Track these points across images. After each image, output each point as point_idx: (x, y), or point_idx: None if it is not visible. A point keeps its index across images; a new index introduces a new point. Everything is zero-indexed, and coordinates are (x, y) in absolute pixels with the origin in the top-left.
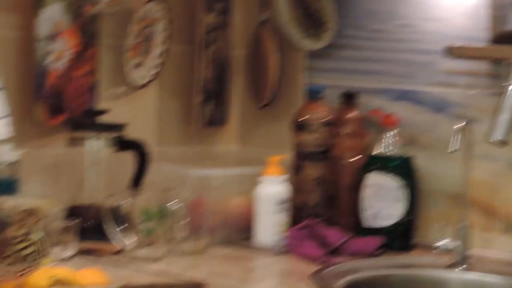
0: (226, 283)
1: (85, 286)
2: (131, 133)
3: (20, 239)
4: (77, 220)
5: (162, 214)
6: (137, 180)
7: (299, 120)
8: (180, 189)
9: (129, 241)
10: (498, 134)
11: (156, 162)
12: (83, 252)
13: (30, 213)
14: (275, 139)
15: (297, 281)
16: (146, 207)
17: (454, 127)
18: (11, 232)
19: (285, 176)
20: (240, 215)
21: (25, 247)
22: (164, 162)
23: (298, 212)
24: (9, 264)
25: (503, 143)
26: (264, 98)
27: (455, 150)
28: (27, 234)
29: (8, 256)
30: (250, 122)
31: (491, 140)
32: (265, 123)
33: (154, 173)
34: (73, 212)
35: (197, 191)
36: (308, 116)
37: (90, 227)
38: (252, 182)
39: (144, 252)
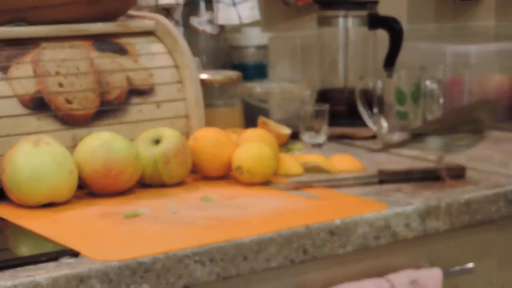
0: (487, 167)
1: (339, 172)
2: (381, 10)
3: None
4: (328, 105)
5: (417, 95)
6: (390, 60)
7: None
8: (436, 68)
9: (382, 125)
10: None
11: (408, 40)
12: (334, 138)
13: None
14: None
15: None
16: (400, 88)
17: None
18: None
19: None
20: (501, 93)
21: None
22: (416, 41)
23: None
24: None
25: None
26: None
27: None
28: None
29: None
30: None
31: None
32: None
33: (408, 52)
34: (324, 96)
35: (455, 69)
36: None
37: (341, 111)
38: None
39: (397, 136)
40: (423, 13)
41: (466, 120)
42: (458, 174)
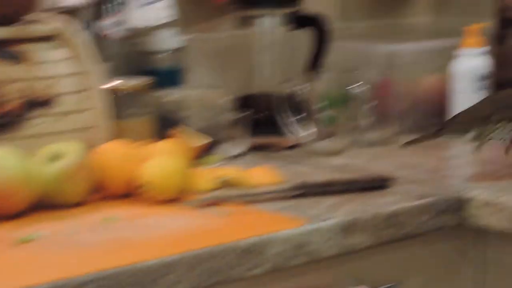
0: (416, 176)
1: (256, 186)
2: (308, 7)
3: None
4: (250, 112)
5: (344, 99)
6: (315, 62)
7: None
8: (364, 69)
9: (306, 132)
10: None
11: (338, 39)
12: (255, 148)
13: None
14: (474, 5)
15: (500, 172)
16: (325, 92)
17: None
18: None
19: (486, 48)
20: (433, 96)
21: None
22: (346, 40)
23: (501, 90)
24: None
25: None
26: None
27: None
28: None
29: None
30: None
31: None
32: None
33: (335, 53)
34: (246, 102)
35: (384, 70)
36: None
37: (263, 119)
38: (447, 57)
39: (323, 144)
40: (356, 10)
41: (499, 108)
42: (382, 184)
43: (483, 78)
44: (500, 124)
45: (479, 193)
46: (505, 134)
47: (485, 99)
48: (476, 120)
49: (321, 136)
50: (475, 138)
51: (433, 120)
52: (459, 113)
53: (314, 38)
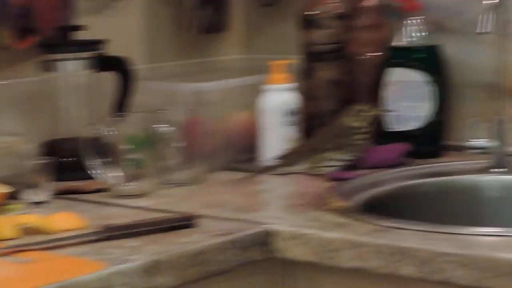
0: (223, 213)
1: (58, 232)
2: (115, 51)
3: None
4: (52, 158)
5: (151, 140)
6: (121, 104)
7: (307, 14)
8: (172, 109)
9: (113, 175)
10: None
11: (145, 80)
12: (61, 193)
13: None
14: (285, 42)
15: (306, 204)
16: (132, 133)
17: (484, 3)
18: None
19: (293, 83)
20: (243, 133)
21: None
22: (154, 80)
23: (310, 123)
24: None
25: None
26: None
27: (486, 32)
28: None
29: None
30: (255, 26)
31: None
32: (271, 25)
33: (142, 93)
34: (51, 148)
35: (193, 109)
36: (318, 9)
37: (71, 163)
38: (257, 93)
39: (130, 186)
40: (165, 51)
41: (329, 138)
42: (188, 224)
43: (291, 112)
44: (331, 153)
45: (285, 226)
46: (335, 162)
47: (319, 130)
48: (309, 151)
49: (128, 178)
50: (309, 168)
51: (245, 156)
52: (294, 146)
53: (118, 80)
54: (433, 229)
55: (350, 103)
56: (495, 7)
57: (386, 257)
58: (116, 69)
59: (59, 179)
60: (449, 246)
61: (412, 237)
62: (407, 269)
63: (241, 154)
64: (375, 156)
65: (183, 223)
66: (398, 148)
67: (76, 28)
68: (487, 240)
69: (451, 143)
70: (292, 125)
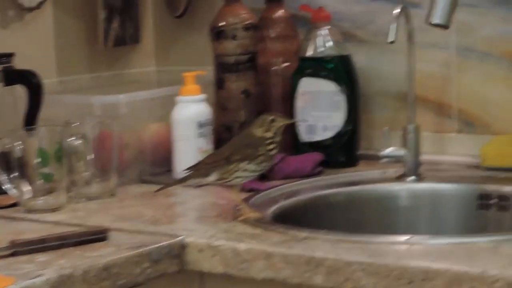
0: (134, 226)
1: None
2: (24, 64)
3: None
4: None
5: (61, 154)
6: (30, 118)
7: (217, 26)
8: (82, 122)
9: (24, 190)
10: (437, 17)
11: (58, 94)
12: None
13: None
14: (197, 54)
15: (219, 215)
16: (42, 148)
17: (394, 12)
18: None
19: (204, 95)
20: (156, 145)
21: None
22: (65, 94)
23: (222, 134)
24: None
25: (443, 26)
26: (179, 5)
27: (393, 41)
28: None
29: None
30: (167, 37)
31: (430, 23)
32: (183, 36)
33: (53, 108)
34: None
35: (105, 121)
36: (228, 20)
37: None
38: (169, 105)
39: (42, 201)
40: (76, 64)
41: (237, 148)
42: (100, 237)
43: (204, 124)
44: (242, 163)
45: (197, 238)
46: (247, 173)
47: (230, 141)
48: (218, 162)
49: (40, 193)
50: (221, 180)
51: (158, 169)
52: (205, 157)
53: (27, 93)
54: (344, 238)
55: (261, 113)
56: (403, 16)
57: (297, 267)
58: (25, 82)
59: None
60: (359, 254)
61: (323, 247)
62: (318, 279)
63: (154, 166)
64: (289, 166)
65: (95, 236)
66: (311, 158)
67: None
68: (398, 248)
69: (364, 152)
70: (204, 136)
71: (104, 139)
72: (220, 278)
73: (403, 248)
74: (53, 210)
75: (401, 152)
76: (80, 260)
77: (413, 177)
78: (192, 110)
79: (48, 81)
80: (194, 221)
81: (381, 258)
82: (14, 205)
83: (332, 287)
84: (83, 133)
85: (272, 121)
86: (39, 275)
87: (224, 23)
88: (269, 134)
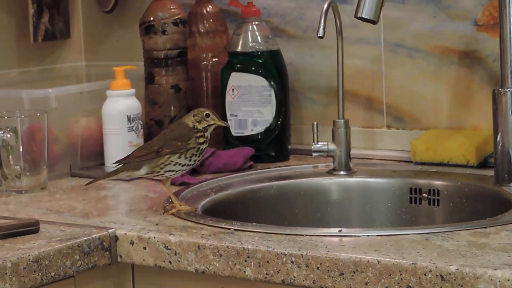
0: (65, 219)
1: None
2: None
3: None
4: None
5: None
6: None
7: (146, 21)
8: (11, 116)
9: None
10: (365, 11)
11: None
12: None
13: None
14: (127, 48)
15: (150, 209)
16: None
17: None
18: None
19: (134, 89)
20: (87, 139)
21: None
22: None
23: (154, 129)
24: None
25: (371, 21)
26: (109, 0)
27: (322, 36)
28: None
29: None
30: (97, 32)
31: (358, 17)
32: (113, 31)
33: None
34: None
35: (33, 116)
36: (158, 15)
37: None
38: (100, 99)
39: None
40: (5, 59)
41: (166, 141)
42: (30, 229)
43: (133, 118)
44: (171, 157)
45: (128, 231)
46: (177, 167)
47: (159, 135)
48: (148, 155)
49: None
50: (151, 173)
51: (89, 162)
52: (135, 150)
53: None
54: (274, 230)
55: (191, 108)
56: (332, 12)
57: (228, 259)
58: None
59: None
60: (290, 247)
61: (253, 239)
62: (249, 271)
63: (85, 160)
64: (219, 161)
65: (26, 229)
66: (242, 153)
67: None
68: (329, 241)
69: (295, 147)
70: (134, 130)
71: (34, 132)
72: (151, 271)
73: (334, 240)
74: None
75: (332, 146)
76: (11, 252)
77: (343, 172)
78: (122, 104)
79: None
80: (125, 214)
81: (312, 250)
82: None
83: (263, 279)
84: (13, 127)
85: (207, 116)
86: None
87: (153, 18)
88: (200, 126)
